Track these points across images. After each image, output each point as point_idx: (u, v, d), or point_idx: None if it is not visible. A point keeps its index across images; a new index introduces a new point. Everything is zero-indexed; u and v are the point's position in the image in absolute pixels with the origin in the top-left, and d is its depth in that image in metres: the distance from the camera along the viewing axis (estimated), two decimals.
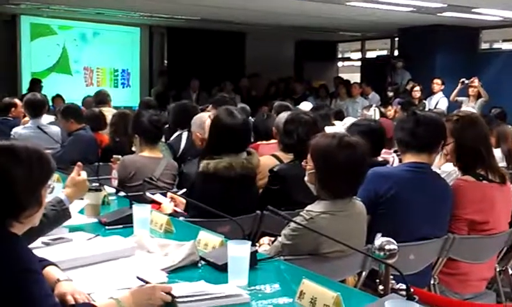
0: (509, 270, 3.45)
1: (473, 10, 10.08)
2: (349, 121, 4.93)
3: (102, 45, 12.68)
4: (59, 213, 2.39)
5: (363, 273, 2.82)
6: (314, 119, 3.97)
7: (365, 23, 11.92)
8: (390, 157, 4.58)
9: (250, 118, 6.24)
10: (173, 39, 13.52)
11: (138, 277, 2.07)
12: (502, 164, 5.38)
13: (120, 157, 4.08)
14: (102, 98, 7.24)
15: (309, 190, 2.73)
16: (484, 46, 12.81)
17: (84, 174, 2.60)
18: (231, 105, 5.22)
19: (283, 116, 4.33)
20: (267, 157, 4.16)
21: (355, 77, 13.81)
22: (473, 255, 3.17)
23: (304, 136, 3.52)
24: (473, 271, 3.19)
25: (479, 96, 9.59)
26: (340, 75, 14.68)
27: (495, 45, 13.24)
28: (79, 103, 7.19)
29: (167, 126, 5.20)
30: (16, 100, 6.63)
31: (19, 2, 10.48)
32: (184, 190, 3.50)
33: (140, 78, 13.21)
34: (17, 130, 5.72)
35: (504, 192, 3.20)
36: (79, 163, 2.61)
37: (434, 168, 3.32)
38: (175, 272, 2.21)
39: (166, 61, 13.69)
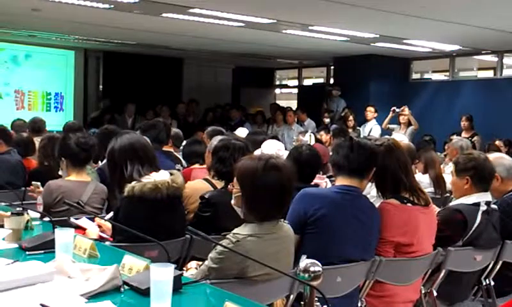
0: (434, 292, 3.53)
1: (404, 41, 10.45)
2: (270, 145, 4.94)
3: (35, 68, 12.36)
4: None
5: (291, 296, 2.82)
6: (246, 145, 3.98)
7: (301, 51, 12.15)
8: (322, 182, 4.63)
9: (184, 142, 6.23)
10: (108, 63, 13.35)
11: (42, 305, 1.98)
12: (429, 189, 5.54)
13: (38, 183, 3.96)
14: (40, 126, 7.00)
15: (240, 217, 2.72)
16: (415, 76, 13.28)
17: None
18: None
19: (217, 139, 4.32)
20: (199, 181, 4.13)
21: (292, 104, 14.01)
22: (399, 277, 3.23)
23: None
24: (399, 293, 3.25)
25: (409, 124, 9.89)
26: (277, 101, 14.85)
27: (425, 76, 13.74)
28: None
29: None
30: None
31: None
32: (110, 214, 3.42)
33: (74, 102, 12.94)
34: None
35: (427, 215, 3.28)
36: None
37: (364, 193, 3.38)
38: (96, 297, 2.13)
39: (101, 85, 13.49)
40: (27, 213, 3.18)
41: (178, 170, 4.36)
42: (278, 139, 7.69)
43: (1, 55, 12.03)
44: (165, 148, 5.44)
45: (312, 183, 4.02)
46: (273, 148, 4.73)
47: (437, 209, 3.70)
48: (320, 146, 6.49)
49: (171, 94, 13.38)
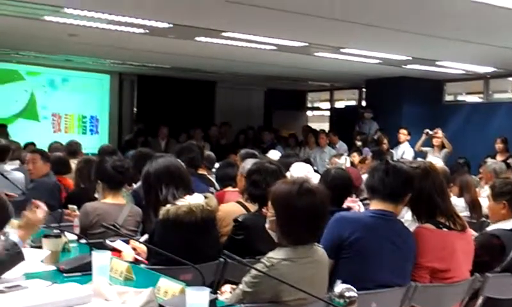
0: None
1: (437, 63, 10.37)
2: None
3: (71, 92, 12.63)
4: (13, 257, 2.35)
5: None
6: (280, 168, 3.99)
7: (333, 73, 12.16)
8: (355, 205, 4.60)
9: (216, 165, 6.27)
10: (143, 87, 13.54)
11: None
12: (465, 213, 5.45)
13: (75, 207, 4.03)
14: (76, 149, 7.17)
15: (273, 241, 2.72)
16: (449, 98, 13.14)
17: (39, 213, 2.62)
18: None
19: (248, 162, 4.34)
20: (233, 203, 4.14)
21: (324, 127, 13.98)
22: (436, 303, 3.18)
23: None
24: None
25: (443, 146, 9.78)
26: (309, 124, 14.84)
27: (459, 98, 13.58)
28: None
29: None
30: None
31: None
32: (145, 236, 3.46)
33: (109, 125, 13.16)
34: None
35: (464, 240, 3.23)
36: (35, 201, 2.61)
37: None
38: None
39: (135, 108, 13.69)
40: (65, 236, 3.23)
41: (212, 193, 4.39)
42: (311, 162, 7.72)
43: (39, 79, 12.33)
44: (199, 171, 5.49)
45: (345, 206, 4.01)
46: (302, 171, 4.74)
47: (474, 234, 3.64)
48: (352, 169, 6.47)
49: (203, 117, 13.49)
